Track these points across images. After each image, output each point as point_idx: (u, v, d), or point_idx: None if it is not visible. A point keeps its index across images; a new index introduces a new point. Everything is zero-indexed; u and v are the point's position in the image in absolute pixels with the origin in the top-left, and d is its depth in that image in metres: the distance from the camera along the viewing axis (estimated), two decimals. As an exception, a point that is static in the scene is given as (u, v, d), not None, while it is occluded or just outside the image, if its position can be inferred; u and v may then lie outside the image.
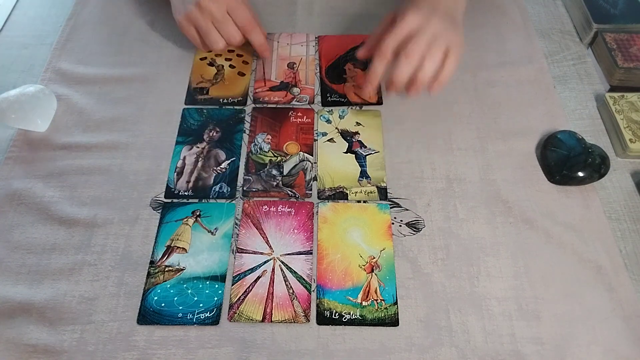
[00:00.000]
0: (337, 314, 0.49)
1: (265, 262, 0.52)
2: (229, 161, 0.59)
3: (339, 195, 0.56)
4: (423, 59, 0.53)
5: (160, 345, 0.47)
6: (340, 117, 0.63)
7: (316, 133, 0.62)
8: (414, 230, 0.54)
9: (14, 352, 0.46)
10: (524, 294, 0.50)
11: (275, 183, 0.57)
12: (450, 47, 0.54)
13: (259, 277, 0.51)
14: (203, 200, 0.56)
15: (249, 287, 0.50)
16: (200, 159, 0.59)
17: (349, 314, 0.49)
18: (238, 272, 0.51)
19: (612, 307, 0.49)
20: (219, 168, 0.58)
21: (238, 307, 0.49)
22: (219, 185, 0.57)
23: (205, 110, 0.63)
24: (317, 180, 0.57)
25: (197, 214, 0.55)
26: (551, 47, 0.71)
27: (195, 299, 0.49)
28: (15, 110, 0.60)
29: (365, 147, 0.60)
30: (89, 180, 0.57)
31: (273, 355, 0.46)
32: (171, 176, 0.57)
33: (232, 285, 0.50)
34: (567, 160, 0.56)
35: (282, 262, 0.52)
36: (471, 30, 0.72)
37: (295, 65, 0.68)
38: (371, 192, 0.56)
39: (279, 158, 0.59)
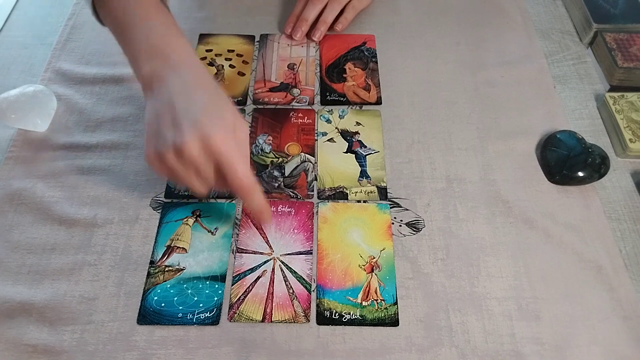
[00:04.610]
0: (337, 314, 0.49)
1: (265, 262, 0.52)
2: (229, 161, 0.59)
3: (339, 195, 0.56)
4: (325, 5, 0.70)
5: (160, 345, 0.47)
6: (340, 117, 0.63)
7: (316, 133, 0.62)
8: (414, 230, 0.54)
9: (14, 352, 0.46)
10: (524, 294, 0.50)
11: (277, 184, 0.57)
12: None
13: (259, 277, 0.51)
14: (203, 200, 0.56)
15: (249, 287, 0.50)
16: (200, 159, 0.59)
17: (349, 314, 0.49)
18: (238, 272, 0.51)
19: (612, 307, 0.49)
20: (219, 168, 0.58)
21: (238, 307, 0.49)
22: (219, 185, 0.57)
23: (205, 110, 0.63)
24: (317, 180, 0.57)
25: (197, 213, 0.55)
26: (551, 47, 0.71)
27: (195, 299, 0.49)
28: (15, 110, 0.60)
29: (365, 147, 0.60)
30: (89, 180, 0.57)
31: (273, 355, 0.46)
32: (171, 176, 0.57)
33: (232, 285, 0.50)
34: (567, 160, 0.56)
35: (282, 262, 0.52)
36: (471, 30, 0.72)
37: (295, 66, 0.68)
38: (371, 192, 0.56)
39: (281, 159, 0.59)
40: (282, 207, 0.55)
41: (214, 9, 0.75)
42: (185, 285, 0.50)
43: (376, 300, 0.49)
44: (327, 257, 0.52)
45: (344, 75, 0.67)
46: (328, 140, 0.61)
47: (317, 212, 0.55)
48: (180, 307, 0.49)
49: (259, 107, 0.64)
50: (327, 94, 0.65)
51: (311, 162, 0.59)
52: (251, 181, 0.44)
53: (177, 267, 0.51)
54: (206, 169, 0.42)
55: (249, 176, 0.43)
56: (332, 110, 0.64)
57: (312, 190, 0.57)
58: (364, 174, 0.58)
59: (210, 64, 0.68)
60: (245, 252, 0.52)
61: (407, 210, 0.55)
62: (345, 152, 0.60)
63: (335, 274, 0.51)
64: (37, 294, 0.49)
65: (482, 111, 0.64)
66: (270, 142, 0.61)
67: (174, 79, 0.43)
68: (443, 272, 0.51)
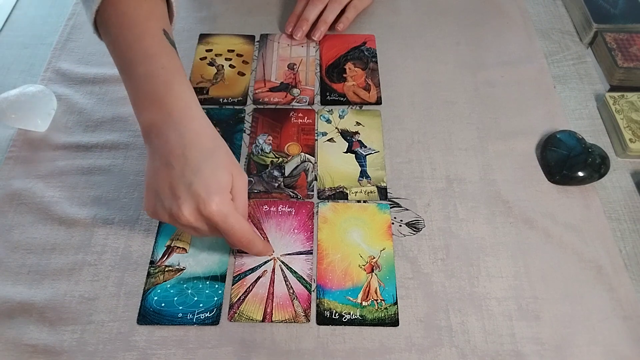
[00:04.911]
0: (337, 314, 0.48)
1: (265, 262, 0.52)
2: (229, 161, 0.59)
3: (339, 195, 0.56)
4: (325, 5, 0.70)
5: (160, 345, 0.47)
6: (340, 116, 0.63)
7: (316, 133, 0.62)
8: (414, 230, 0.54)
9: (14, 352, 0.46)
10: (524, 294, 0.50)
11: (277, 184, 0.57)
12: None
13: (259, 277, 0.51)
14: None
15: (249, 287, 0.50)
16: (200, 159, 0.59)
17: (349, 314, 0.49)
18: (238, 272, 0.51)
19: (612, 307, 0.49)
20: (219, 168, 0.58)
21: (238, 307, 0.49)
22: (219, 185, 0.57)
23: (205, 110, 0.63)
24: (317, 180, 0.57)
25: (197, 214, 0.55)
26: (551, 47, 0.71)
27: (195, 299, 0.49)
28: (15, 110, 0.60)
29: (365, 146, 0.60)
30: (89, 180, 0.57)
31: (273, 355, 0.46)
32: (171, 176, 0.57)
33: (233, 285, 0.50)
34: (567, 160, 0.56)
35: (283, 262, 0.52)
36: (471, 30, 0.72)
37: (295, 66, 0.68)
38: (371, 192, 0.56)
39: (281, 159, 0.59)
40: (282, 207, 0.55)
41: (214, 9, 0.75)
42: (185, 285, 0.50)
43: (376, 300, 0.49)
44: (327, 257, 0.52)
45: (344, 75, 0.67)
46: (328, 140, 0.61)
47: (317, 212, 0.55)
48: (180, 307, 0.49)
49: (259, 107, 0.64)
50: (327, 94, 0.65)
51: (311, 162, 0.59)
52: (248, 236, 0.45)
53: (177, 267, 0.51)
54: (202, 228, 0.44)
55: (246, 231, 0.45)
56: (332, 110, 0.64)
57: (312, 190, 0.57)
58: (364, 174, 0.58)
59: (210, 64, 0.68)
60: (246, 252, 0.52)
61: (407, 210, 0.55)
62: (345, 152, 0.60)
63: (335, 274, 0.51)
64: (37, 294, 0.49)
65: (482, 111, 0.64)
66: (270, 142, 0.61)
67: (173, 136, 0.44)
68: (443, 272, 0.51)
